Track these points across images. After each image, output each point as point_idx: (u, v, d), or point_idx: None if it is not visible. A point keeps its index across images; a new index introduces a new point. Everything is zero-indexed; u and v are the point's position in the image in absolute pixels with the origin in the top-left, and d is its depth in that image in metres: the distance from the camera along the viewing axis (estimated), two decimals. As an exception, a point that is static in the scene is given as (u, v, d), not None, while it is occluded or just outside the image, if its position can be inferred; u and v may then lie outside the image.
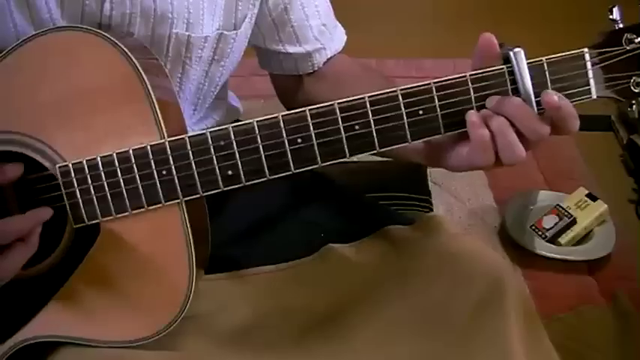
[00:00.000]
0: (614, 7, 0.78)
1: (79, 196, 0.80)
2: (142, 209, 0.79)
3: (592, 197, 1.81)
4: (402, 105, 0.76)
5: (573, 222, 1.76)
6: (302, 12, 1.03)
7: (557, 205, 1.81)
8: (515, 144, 0.76)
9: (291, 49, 1.04)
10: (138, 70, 0.78)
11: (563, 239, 1.75)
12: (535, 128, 0.75)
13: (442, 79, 0.77)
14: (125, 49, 0.79)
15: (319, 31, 1.05)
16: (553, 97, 0.75)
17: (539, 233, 1.76)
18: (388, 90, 0.76)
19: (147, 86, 0.78)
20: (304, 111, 0.77)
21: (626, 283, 1.65)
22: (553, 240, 1.75)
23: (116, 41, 0.79)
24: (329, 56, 1.07)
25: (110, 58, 0.79)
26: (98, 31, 0.80)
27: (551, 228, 1.77)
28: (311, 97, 1.06)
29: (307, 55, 1.05)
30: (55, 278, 0.82)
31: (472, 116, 0.77)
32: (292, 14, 1.02)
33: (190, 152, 0.78)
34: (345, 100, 0.77)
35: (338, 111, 0.76)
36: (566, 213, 1.78)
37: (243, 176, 0.78)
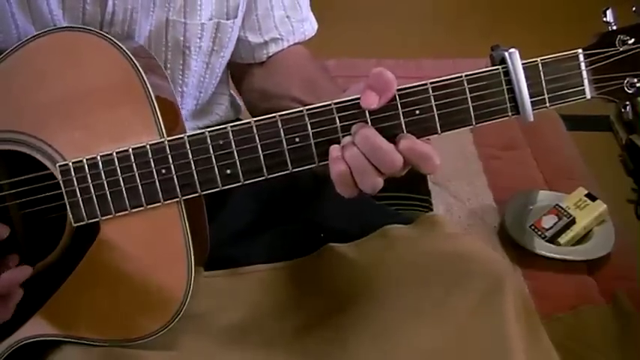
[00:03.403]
0: (607, 9, 0.78)
1: (78, 194, 0.80)
2: (142, 208, 0.80)
3: (591, 197, 1.81)
4: (398, 105, 0.77)
5: (572, 222, 1.76)
6: (268, 2, 1.04)
7: (557, 204, 1.81)
8: (368, 174, 0.75)
9: (251, 37, 1.05)
10: (137, 69, 0.79)
11: (563, 239, 1.75)
12: (384, 162, 0.75)
13: (439, 79, 0.77)
14: (125, 49, 0.79)
15: (281, 22, 1.05)
16: (406, 142, 0.75)
17: (539, 233, 1.76)
18: (384, 90, 0.77)
19: (146, 86, 0.79)
20: (302, 110, 0.77)
21: (626, 283, 1.65)
22: (552, 240, 1.75)
23: (116, 41, 0.79)
24: (284, 47, 1.07)
25: (110, 58, 0.80)
26: (99, 31, 0.81)
27: (550, 228, 1.77)
28: (252, 85, 1.07)
29: (264, 45, 1.06)
30: (54, 277, 0.82)
31: (333, 151, 0.76)
32: (259, 3, 1.03)
33: (189, 151, 0.78)
34: (342, 99, 0.77)
35: (335, 111, 0.77)
36: (565, 213, 1.78)
37: (241, 175, 0.79)
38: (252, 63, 1.08)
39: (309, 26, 1.10)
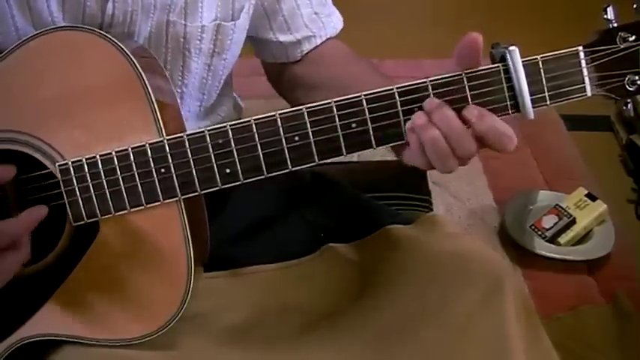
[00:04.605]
0: (608, 6, 0.78)
1: (78, 194, 0.80)
2: (141, 207, 0.80)
3: (591, 197, 1.80)
4: (398, 103, 0.77)
5: (573, 222, 1.76)
6: (293, 1, 1.03)
7: (557, 204, 1.80)
8: (446, 156, 0.76)
9: (282, 37, 1.05)
10: (137, 69, 0.79)
11: (563, 239, 1.75)
12: (461, 143, 0.75)
13: (438, 77, 0.77)
14: (125, 49, 0.79)
15: (310, 19, 1.05)
16: (474, 110, 0.76)
17: (539, 233, 1.76)
18: (384, 88, 0.77)
19: (146, 85, 0.79)
20: (301, 109, 0.77)
21: (626, 283, 1.65)
22: (553, 240, 1.75)
23: (116, 41, 0.79)
24: (318, 43, 1.06)
25: (110, 57, 0.80)
26: (98, 31, 0.81)
27: (550, 228, 1.76)
28: (296, 81, 1.07)
29: (297, 43, 1.05)
30: (54, 276, 0.82)
31: (413, 122, 0.76)
32: (283, 3, 1.03)
33: (189, 150, 0.78)
34: (341, 98, 0.77)
35: (335, 109, 0.77)
36: (565, 213, 1.78)
37: (241, 174, 0.79)
38: (287, 62, 1.07)
39: (337, 19, 1.09)
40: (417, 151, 0.77)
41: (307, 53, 1.06)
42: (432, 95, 0.77)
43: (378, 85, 0.78)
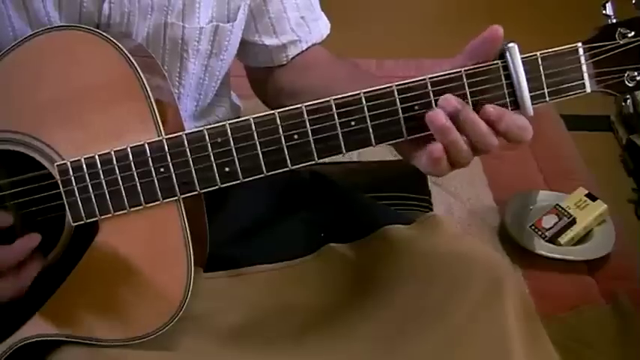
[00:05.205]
0: (607, 2, 0.78)
1: (77, 194, 0.80)
2: (140, 207, 0.80)
3: (591, 197, 1.80)
4: (397, 100, 0.77)
5: (573, 222, 1.76)
6: (280, 4, 1.03)
7: (557, 204, 1.80)
8: (468, 155, 0.77)
9: (267, 40, 1.04)
10: (135, 68, 0.79)
11: (563, 239, 1.75)
12: (486, 143, 0.76)
13: (437, 74, 0.77)
14: (123, 48, 0.79)
15: (296, 23, 1.04)
16: (491, 111, 0.76)
17: (539, 233, 1.76)
18: (384, 85, 0.77)
19: (144, 85, 0.79)
20: (300, 107, 0.77)
21: (626, 283, 1.65)
22: (553, 240, 1.75)
23: (114, 40, 0.79)
24: (303, 48, 1.06)
25: (108, 57, 0.80)
26: (96, 30, 0.81)
27: (550, 228, 1.76)
28: (280, 87, 1.06)
29: (282, 47, 1.05)
30: (53, 276, 0.82)
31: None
32: (270, 5, 1.02)
33: (188, 149, 0.78)
34: (341, 96, 0.77)
35: (334, 107, 0.77)
36: (565, 213, 1.78)
37: (240, 173, 0.79)
38: (272, 66, 1.07)
39: (323, 24, 1.10)
40: (433, 163, 0.77)
41: (292, 59, 1.06)
42: (431, 92, 0.77)
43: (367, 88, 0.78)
